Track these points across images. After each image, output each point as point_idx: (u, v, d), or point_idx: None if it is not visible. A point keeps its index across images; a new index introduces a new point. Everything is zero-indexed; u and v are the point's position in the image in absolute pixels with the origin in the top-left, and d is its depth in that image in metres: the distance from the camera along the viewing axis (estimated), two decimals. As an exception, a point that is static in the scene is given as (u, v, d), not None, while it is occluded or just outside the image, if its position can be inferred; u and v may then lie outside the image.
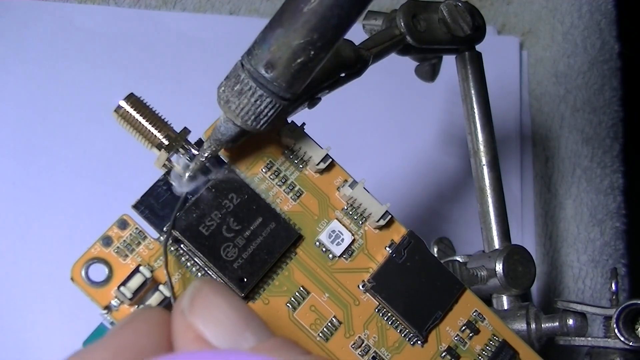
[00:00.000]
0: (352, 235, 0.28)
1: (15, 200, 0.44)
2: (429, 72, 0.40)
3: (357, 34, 0.30)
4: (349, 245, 0.28)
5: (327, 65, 0.28)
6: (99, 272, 0.25)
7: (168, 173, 0.26)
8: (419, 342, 0.28)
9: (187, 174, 0.26)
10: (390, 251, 0.29)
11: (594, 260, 0.51)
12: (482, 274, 0.35)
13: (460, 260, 0.36)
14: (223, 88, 0.25)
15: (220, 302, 0.18)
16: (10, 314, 0.42)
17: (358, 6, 0.24)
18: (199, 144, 0.27)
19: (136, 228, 0.26)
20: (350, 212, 0.29)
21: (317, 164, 0.28)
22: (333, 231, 0.28)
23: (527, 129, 0.54)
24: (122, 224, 0.26)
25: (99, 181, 0.45)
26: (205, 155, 0.26)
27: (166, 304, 0.25)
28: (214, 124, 0.28)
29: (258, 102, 0.24)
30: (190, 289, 0.19)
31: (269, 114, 0.25)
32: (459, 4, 0.35)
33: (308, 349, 0.19)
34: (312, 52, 0.23)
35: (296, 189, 0.28)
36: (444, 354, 0.28)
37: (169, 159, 0.26)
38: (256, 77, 0.24)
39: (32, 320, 0.42)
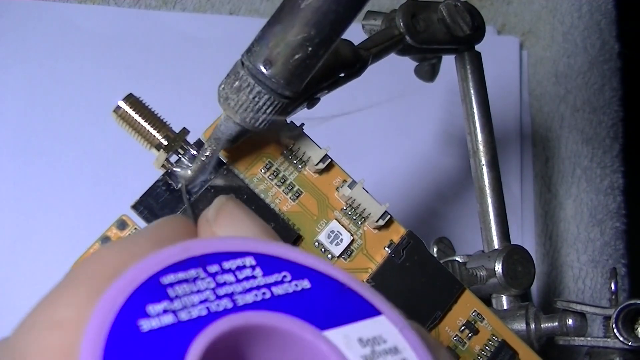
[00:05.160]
0: (351, 235, 0.28)
1: (14, 200, 0.44)
2: (428, 72, 0.40)
3: (356, 34, 0.30)
4: (348, 246, 0.28)
5: (326, 65, 0.28)
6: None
7: (167, 173, 0.26)
8: (418, 342, 0.28)
9: (188, 174, 0.26)
10: (390, 251, 0.29)
11: (594, 260, 0.51)
12: (482, 274, 0.35)
13: (460, 260, 0.36)
14: (223, 86, 0.25)
15: (243, 216, 0.19)
16: (9, 314, 0.41)
17: (356, 3, 0.24)
18: (198, 144, 0.27)
19: (135, 229, 0.26)
20: (349, 213, 0.29)
21: (316, 164, 0.28)
22: (332, 231, 0.28)
23: (527, 129, 0.54)
24: (121, 224, 0.26)
25: (98, 181, 0.45)
26: (206, 154, 0.26)
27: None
28: (214, 124, 0.28)
29: (256, 99, 0.24)
30: (215, 202, 0.20)
31: (268, 112, 0.25)
32: (458, 3, 0.35)
33: None
34: (310, 49, 0.23)
35: (295, 189, 0.28)
36: (443, 354, 0.28)
37: (167, 160, 0.26)
38: (255, 73, 0.24)
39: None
